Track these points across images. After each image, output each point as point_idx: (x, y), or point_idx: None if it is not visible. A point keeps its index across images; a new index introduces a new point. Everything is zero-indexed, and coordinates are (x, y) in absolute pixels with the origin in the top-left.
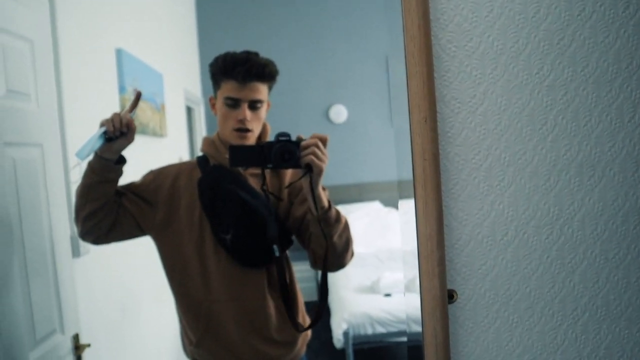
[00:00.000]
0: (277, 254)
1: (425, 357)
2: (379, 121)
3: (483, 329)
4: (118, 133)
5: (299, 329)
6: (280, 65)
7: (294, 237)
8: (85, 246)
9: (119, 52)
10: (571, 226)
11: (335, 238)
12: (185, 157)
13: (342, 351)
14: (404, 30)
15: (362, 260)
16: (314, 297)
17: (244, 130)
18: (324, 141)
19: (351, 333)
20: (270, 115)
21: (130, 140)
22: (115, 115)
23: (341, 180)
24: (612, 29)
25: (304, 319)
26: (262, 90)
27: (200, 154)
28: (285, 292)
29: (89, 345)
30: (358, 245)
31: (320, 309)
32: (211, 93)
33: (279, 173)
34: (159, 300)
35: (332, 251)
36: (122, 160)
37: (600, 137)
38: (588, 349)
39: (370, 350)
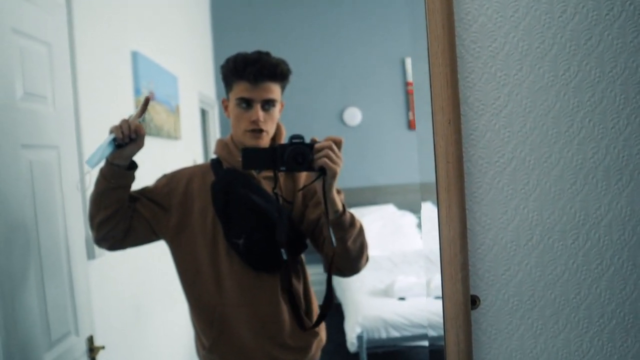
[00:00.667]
0: (284, 257)
1: None
2: (394, 124)
3: (506, 335)
4: (127, 139)
5: (304, 327)
6: (294, 68)
7: (308, 241)
8: (99, 249)
9: (135, 55)
10: (598, 231)
11: (350, 243)
12: (200, 159)
13: (356, 355)
14: (427, 31)
15: (376, 263)
16: None
17: (257, 131)
18: (338, 144)
19: (365, 337)
20: (284, 117)
21: (140, 145)
22: (124, 121)
23: (355, 183)
24: None
25: (320, 325)
26: (274, 90)
27: (214, 156)
28: (291, 295)
29: (103, 348)
30: (372, 249)
31: (325, 309)
32: (225, 96)
33: (293, 176)
34: (173, 303)
35: (346, 256)
36: (133, 166)
37: (629, 139)
38: (615, 358)
39: (384, 354)
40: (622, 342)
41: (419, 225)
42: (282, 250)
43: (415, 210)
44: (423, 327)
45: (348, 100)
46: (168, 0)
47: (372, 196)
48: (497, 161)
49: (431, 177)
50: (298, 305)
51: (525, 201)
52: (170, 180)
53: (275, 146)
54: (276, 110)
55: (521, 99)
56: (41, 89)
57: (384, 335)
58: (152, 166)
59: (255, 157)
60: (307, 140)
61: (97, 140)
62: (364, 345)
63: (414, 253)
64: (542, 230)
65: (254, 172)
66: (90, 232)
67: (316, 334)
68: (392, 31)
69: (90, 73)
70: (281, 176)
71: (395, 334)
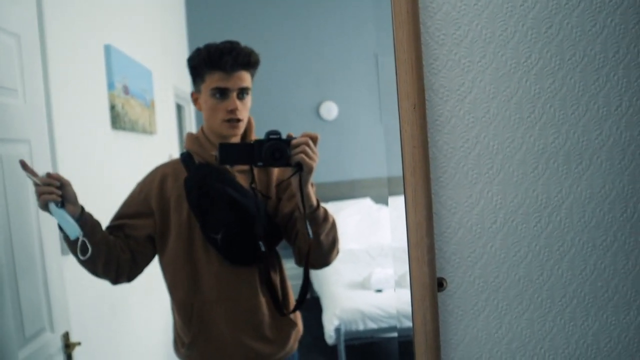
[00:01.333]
0: (262, 249)
1: (415, 345)
2: (370, 118)
3: (472, 316)
4: (60, 197)
5: (283, 312)
6: (270, 62)
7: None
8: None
9: (108, 48)
10: (559, 214)
11: (323, 237)
12: (175, 154)
13: (334, 347)
14: (392, 18)
15: (353, 256)
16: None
17: (234, 121)
18: (314, 139)
19: (343, 329)
20: (261, 111)
21: (70, 192)
22: (38, 189)
23: (332, 177)
24: (599, 18)
25: (295, 315)
26: (247, 79)
27: (184, 151)
28: (271, 286)
29: (79, 344)
30: (349, 242)
31: (300, 299)
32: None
33: (267, 170)
34: (149, 298)
35: (319, 249)
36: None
37: (588, 125)
38: (576, 336)
39: (361, 346)
40: (583, 320)
41: None
42: (260, 243)
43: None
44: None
45: (324, 95)
46: None
47: (349, 190)
48: (462, 146)
49: (399, 171)
50: (277, 296)
51: (490, 185)
52: (143, 186)
53: (252, 142)
54: (249, 99)
55: (485, 85)
56: (11, 82)
57: (361, 327)
58: (127, 160)
59: (232, 152)
60: (283, 135)
61: (70, 133)
62: (342, 338)
63: (391, 246)
64: (506, 213)
65: (227, 166)
66: None
67: (294, 325)
68: (367, 26)
69: (62, 66)
70: (256, 170)
71: (372, 325)
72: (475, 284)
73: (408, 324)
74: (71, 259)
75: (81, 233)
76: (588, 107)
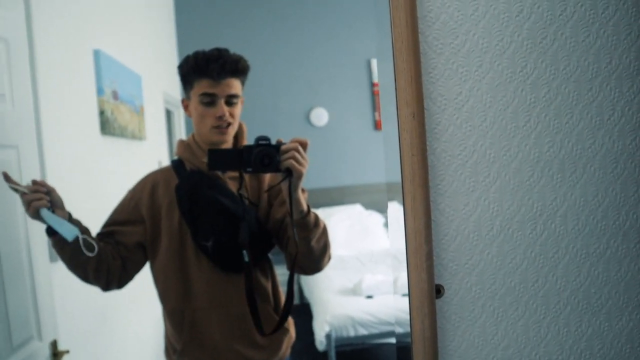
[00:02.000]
0: (246, 259)
1: (413, 351)
2: (360, 124)
3: (469, 323)
4: (49, 203)
5: (262, 332)
6: (260, 68)
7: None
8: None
9: (97, 53)
10: (554, 221)
11: (313, 242)
12: (165, 160)
13: (325, 353)
14: (391, 27)
15: (343, 262)
16: (297, 300)
17: (223, 127)
18: (304, 145)
19: (333, 335)
20: (252, 116)
21: (57, 197)
22: (26, 197)
23: (322, 184)
24: (593, 29)
25: (288, 321)
26: (236, 86)
27: (175, 158)
28: (252, 298)
29: (67, 352)
30: (339, 248)
31: (285, 312)
32: (185, 96)
33: (258, 176)
34: (139, 306)
35: (310, 255)
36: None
37: (581, 134)
38: (570, 342)
39: (352, 352)
40: (577, 327)
41: (386, 225)
42: (244, 252)
43: (382, 210)
44: (390, 324)
45: (314, 101)
46: None
47: (339, 196)
48: (460, 154)
49: (397, 177)
50: (258, 310)
51: (486, 193)
52: (134, 193)
53: (241, 147)
54: (239, 106)
55: (481, 95)
56: None
57: (352, 333)
58: (117, 166)
59: (221, 158)
60: (273, 141)
61: (58, 138)
62: (333, 344)
63: (381, 252)
64: (502, 221)
65: (219, 173)
66: None
67: (286, 331)
68: (358, 32)
69: (51, 71)
70: (247, 177)
71: (363, 331)
72: (472, 291)
73: (404, 329)
74: (60, 266)
75: (79, 231)
76: (582, 117)
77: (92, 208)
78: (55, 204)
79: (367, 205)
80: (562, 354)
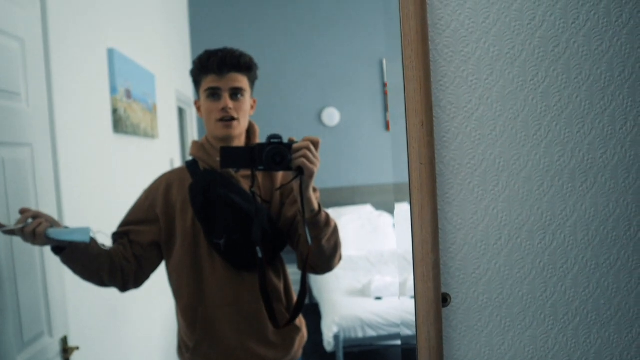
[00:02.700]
0: (259, 254)
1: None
2: (372, 125)
3: (476, 332)
4: (48, 222)
5: (276, 325)
6: (273, 68)
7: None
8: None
9: (111, 52)
10: (563, 231)
11: (324, 241)
12: (177, 158)
13: (333, 354)
14: (401, 35)
15: (353, 263)
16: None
17: (228, 119)
18: (315, 144)
19: (342, 336)
20: (263, 117)
21: (49, 217)
22: (28, 229)
23: (333, 183)
24: (606, 38)
25: (300, 320)
26: (241, 80)
27: (189, 158)
28: (266, 294)
29: (77, 348)
30: (349, 248)
31: (298, 307)
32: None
33: (271, 175)
34: (149, 303)
35: (320, 254)
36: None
37: (593, 143)
38: (578, 353)
39: (360, 353)
40: (585, 338)
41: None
42: (258, 249)
43: (392, 211)
44: (399, 326)
45: (326, 101)
46: None
47: (349, 196)
48: (468, 163)
49: (405, 178)
50: (272, 303)
51: (495, 202)
52: (148, 193)
53: (253, 145)
54: (246, 101)
55: (491, 103)
56: (14, 86)
57: (360, 334)
58: (129, 164)
59: (233, 156)
60: (285, 140)
61: (72, 137)
62: (341, 345)
63: (391, 253)
64: (511, 230)
65: (232, 172)
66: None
67: (298, 330)
68: (370, 32)
69: (66, 70)
70: (260, 175)
71: (371, 333)
72: (479, 300)
73: (409, 332)
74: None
75: (91, 230)
76: (593, 126)
77: (105, 205)
78: (53, 222)
79: (378, 206)
80: None
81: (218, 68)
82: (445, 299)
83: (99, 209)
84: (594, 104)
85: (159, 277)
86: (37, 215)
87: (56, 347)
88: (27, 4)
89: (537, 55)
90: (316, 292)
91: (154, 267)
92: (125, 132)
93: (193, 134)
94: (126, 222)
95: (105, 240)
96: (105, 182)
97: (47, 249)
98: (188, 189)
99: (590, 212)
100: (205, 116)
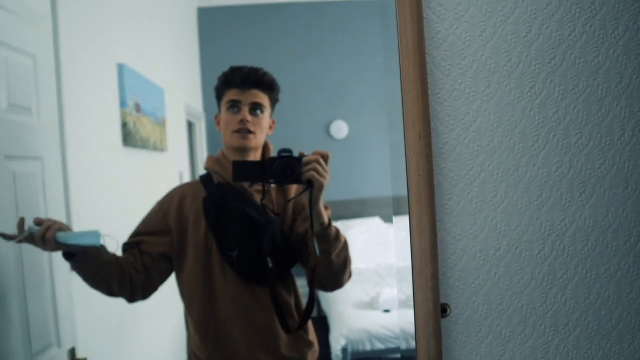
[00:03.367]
0: (270, 265)
1: None
2: (381, 137)
3: (476, 343)
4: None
5: (289, 329)
6: (281, 82)
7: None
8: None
9: (121, 67)
10: (563, 242)
11: (334, 256)
12: (186, 172)
13: None
14: (399, 48)
15: (361, 276)
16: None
17: (244, 131)
18: (325, 157)
19: (350, 349)
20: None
21: (60, 223)
22: (38, 234)
23: (342, 196)
24: (602, 49)
25: (312, 335)
26: (261, 97)
27: (203, 172)
28: (277, 303)
29: None
30: (358, 261)
31: (307, 313)
32: (212, 107)
33: (284, 189)
34: (158, 315)
35: (330, 269)
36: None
37: (591, 154)
38: None
39: None
40: (587, 349)
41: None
42: (268, 259)
43: None
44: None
45: (335, 114)
46: (155, 12)
47: (358, 209)
48: (467, 174)
49: (404, 191)
50: (282, 312)
51: (494, 213)
52: (162, 205)
53: (264, 160)
54: (265, 118)
55: (489, 115)
56: (26, 101)
57: (368, 347)
58: (138, 176)
59: (245, 169)
60: (296, 154)
61: (82, 150)
62: (349, 358)
63: (400, 266)
64: (510, 241)
65: (246, 186)
66: None
67: (311, 345)
68: (377, 45)
69: (76, 85)
70: (273, 189)
71: (380, 346)
72: (479, 311)
73: (413, 344)
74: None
75: (99, 232)
76: (591, 137)
77: (114, 217)
78: (63, 229)
79: (387, 219)
80: None
81: (242, 82)
82: (444, 310)
83: (108, 222)
84: (591, 115)
85: (168, 289)
86: (45, 222)
87: (64, 358)
88: (39, 21)
89: (534, 67)
90: (324, 305)
91: (163, 279)
92: (135, 146)
93: (202, 148)
94: (138, 233)
95: (113, 243)
96: (114, 195)
97: (57, 262)
98: (202, 202)
99: (590, 222)
100: (224, 128)
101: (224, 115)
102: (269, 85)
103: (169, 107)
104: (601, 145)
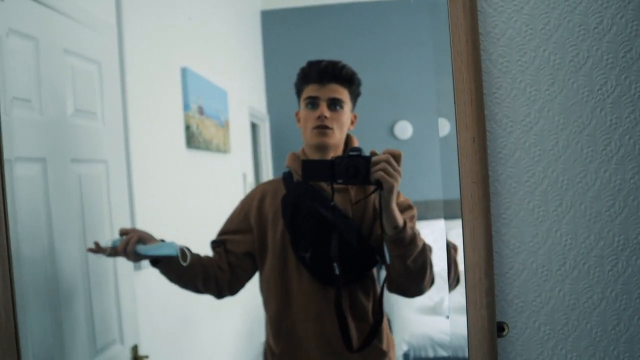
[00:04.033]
0: (337, 271)
1: None
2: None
3: None
4: (137, 238)
5: (350, 349)
6: None
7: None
8: (146, 260)
9: (184, 71)
10: (639, 257)
11: (409, 261)
12: (250, 173)
13: None
14: (451, 46)
15: None
16: None
17: (323, 127)
18: (396, 157)
19: (412, 355)
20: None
21: (143, 232)
22: (120, 248)
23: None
24: None
25: (388, 343)
26: (341, 92)
27: (268, 173)
28: (341, 313)
29: (147, 357)
30: None
31: (372, 331)
32: (276, 110)
33: (365, 189)
34: (220, 314)
35: (406, 275)
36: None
37: None
38: None
39: None
40: None
41: None
42: (335, 265)
43: None
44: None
45: (399, 114)
46: (219, 16)
47: (422, 211)
48: (527, 181)
49: (454, 195)
50: (347, 324)
51: (558, 224)
52: (244, 203)
53: (333, 158)
54: (344, 113)
55: (553, 115)
56: (91, 106)
57: (431, 354)
58: (202, 178)
59: (314, 169)
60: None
61: (145, 153)
62: None
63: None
64: (577, 255)
65: (324, 185)
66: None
67: (384, 354)
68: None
69: (140, 89)
70: (352, 189)
71: (442, 353)
72: (541, 331)
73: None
74: (143, 274)
75: (176, 244)
76: None
77: (178, 219)
78: (144, 239)
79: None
80: None
81: (319, 77)
82: (501, 328)
83: (171, 223)
84: None
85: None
86: (129, 233)
87: (127, 355)
88: (104, 29)
89: (606, 61)
90: (387, 308)
91: (248, 277)
92: (198, 148)
93: (266, 149)
94: (223, 231)
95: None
96: (178, 196)
97: (120, 261)
98: (280, 200)
99: None
100: (303, 125)
101: (303, 111)
102: (348, 79)
103: (231, 109)
104: None
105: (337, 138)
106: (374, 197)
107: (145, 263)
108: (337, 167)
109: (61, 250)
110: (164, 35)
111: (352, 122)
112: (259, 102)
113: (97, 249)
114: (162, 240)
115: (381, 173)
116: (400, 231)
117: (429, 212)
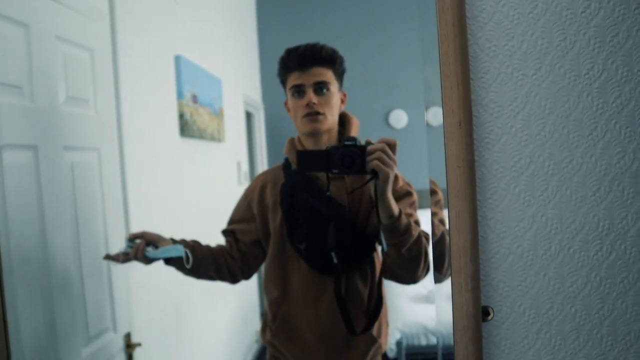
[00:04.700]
0: (335, 260)
1: None
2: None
3: (521, 350)
4: (145, 243)
5: (352, 332)
6: None
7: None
8: None
9: (178, 59)
10: (624, 242)
11: (404, 250)
12: (244, 161)
13: None
14: (437, 29)
15: None
16: None
17: (313, 114)
18: (392, 146)
19: (404, 343)
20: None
21: (152, 235)
22: (131, 255)
23: None
24: None
25: (380, 327)
26: (324, 74)
27: (262, 162)
28: (341, 301)
29: (139, 345)
30: None
31: (371, 316)
32: (271, 97)
33: (361, 179)
34: (214, 302)
35: (401, 263)
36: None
37: None
38: None
39: None
40: None
41: None
42: (333, 254)
43: None
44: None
45: (394, 103)
46: (213, 3)
47: (418, 200)
48: (514, 166)
49: (441, 183)
50: (348, 310)
51: (544, 208)
52: (247, 193)
53: (328, 148)
54: (332, 95)
55: (540, 100)
56: (83, 93)
57: (423, 342)
58: (196, 166)
59: (309, 159)
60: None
61: (138, 142)
62: (403, 352)
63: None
64: (562, 240)
65: (318, 174)
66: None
67: (375, 340)
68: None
69: (133, 77)
70: (347, 179)
71: (435, 341)
72: (526, 315)
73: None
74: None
75: (182, 246)
76: None
77: (171, 207)
78: (154, 241)
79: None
80: None
81: (299, 64)
82: (486, 313)
83: (165, 211)
84: None
85: None
86: (141, 235)
87: (120, 343)
88: (97, 16)
89: (593, 46)
90: None
91: (259, 262)
92: (192, 136)
93: (261, 138)
94: (231, 221)
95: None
96: (171, 185)
97: (113, 250)
98: (279, 189)
99: None
100: (293, 114)
101: (290, 101)
102: (329, 59)
103: (226, 97)
104: None
105: (329, 122)
106: (370, 186)
107: None
108: (333, 157)
109: (53, 237)
110: (157, 23)
111: (342, 101)
112: (254, 90)
113: (111, 258)
114: (172, 239)
115: (377, 162)
116: (395, 220)
117: (423, 200)
